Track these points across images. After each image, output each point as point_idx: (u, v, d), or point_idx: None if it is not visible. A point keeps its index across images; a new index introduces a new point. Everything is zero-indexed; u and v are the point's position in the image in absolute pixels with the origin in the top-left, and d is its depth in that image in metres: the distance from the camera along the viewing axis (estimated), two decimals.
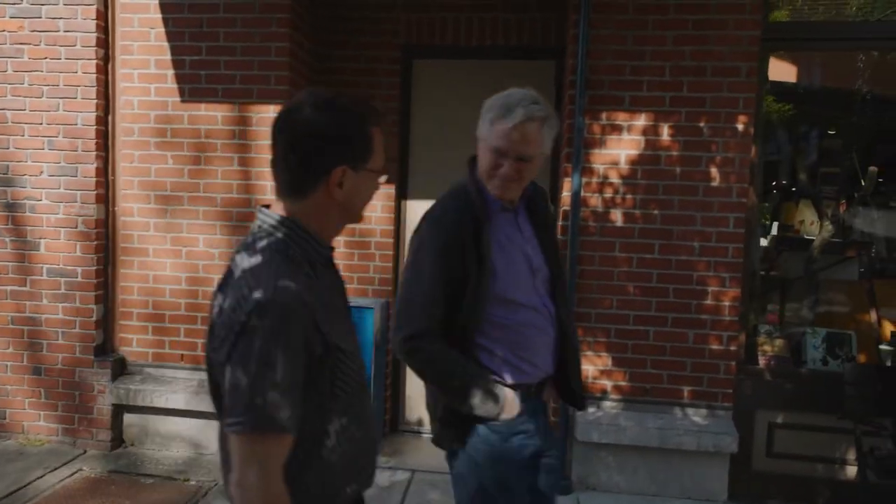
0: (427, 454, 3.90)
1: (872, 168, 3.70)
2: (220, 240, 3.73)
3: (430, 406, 1.80)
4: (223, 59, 3.67)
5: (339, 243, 4.07)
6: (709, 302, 3.41)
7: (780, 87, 3.99)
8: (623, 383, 3.48)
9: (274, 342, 1.03)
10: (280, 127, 1.16)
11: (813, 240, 3.78)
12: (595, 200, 3.48)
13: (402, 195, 4.12)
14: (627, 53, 3.44)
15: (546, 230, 1.83)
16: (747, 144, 3.37)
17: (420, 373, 1.67)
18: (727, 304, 3.41)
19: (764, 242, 3.93)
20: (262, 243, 1.15)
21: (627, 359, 3.47)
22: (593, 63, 3.45)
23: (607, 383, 3.49)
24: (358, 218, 1.27)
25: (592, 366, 3.50)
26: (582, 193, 3.46)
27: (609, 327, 3.47)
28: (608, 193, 3.48)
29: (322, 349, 1.11)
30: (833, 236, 3.76)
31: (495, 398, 1.61)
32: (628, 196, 3.46)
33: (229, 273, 1.15)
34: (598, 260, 3.48)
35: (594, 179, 3.48)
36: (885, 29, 3.48)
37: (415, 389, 4.20)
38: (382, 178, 1.26)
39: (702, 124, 3.40)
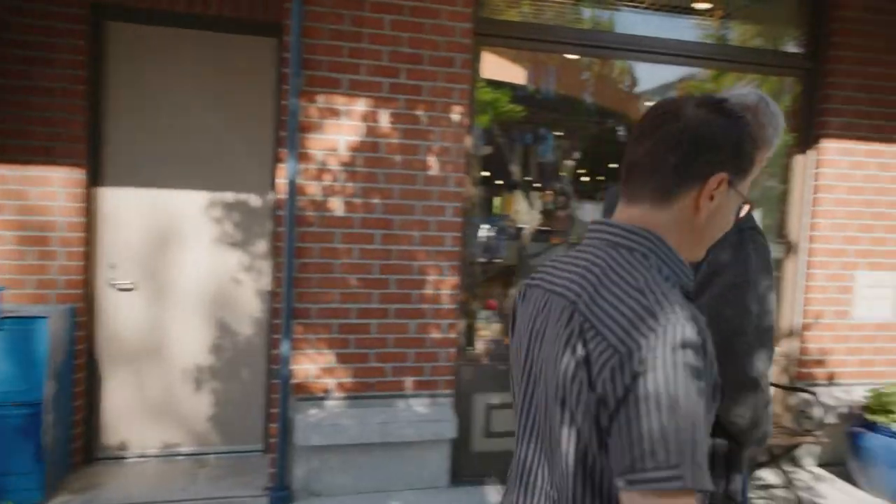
0: (131, 483, 3.35)
1: (569, 162, 4.07)
2: None
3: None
4: None
5: (6, 240, 3.29)
6: (429, 291, 3.42)
7: (507, 85, 4.18)
8: (347, 380, 3.34)
9: (693, 383, 0.88)
10: (655, 123, 1.01)
11: (524, 228, 4.04)
12: (314, 188, 3.27)
13: (94, 181, 3.47)
14: (345, 34, 3.28)
15: None
16: (462, 135, 3.44)
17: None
18: (447, 292, 3.45)
19: (492, 232, 4.10)
20: (627, 256, 0.97)
21: (350, 354, 3.33)
22: (310, 42, 3.22)
23: (330, 382, 3.32)
24: (700, 252, 1.07)
25: (314, 364, 3.29)
26: (299, 181, 3.23)
27: (331, 322, 3.30)
28: (327, 181, 3.29)
29: (712, 391, 0.94)
30: (541, 225, 4.07)
31: None
32: (348, 184, 3.31)
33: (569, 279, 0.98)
34: (319, 252, 3.28)
35: (312, 166, 3.26)
36: (580, 35, 3.80)
37: (115, 410, 3.60)
38: (743, 211, 1.10)
39: (419, 113, 3.38)
